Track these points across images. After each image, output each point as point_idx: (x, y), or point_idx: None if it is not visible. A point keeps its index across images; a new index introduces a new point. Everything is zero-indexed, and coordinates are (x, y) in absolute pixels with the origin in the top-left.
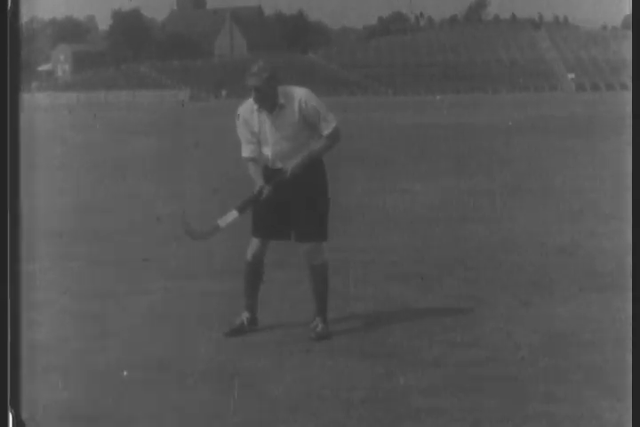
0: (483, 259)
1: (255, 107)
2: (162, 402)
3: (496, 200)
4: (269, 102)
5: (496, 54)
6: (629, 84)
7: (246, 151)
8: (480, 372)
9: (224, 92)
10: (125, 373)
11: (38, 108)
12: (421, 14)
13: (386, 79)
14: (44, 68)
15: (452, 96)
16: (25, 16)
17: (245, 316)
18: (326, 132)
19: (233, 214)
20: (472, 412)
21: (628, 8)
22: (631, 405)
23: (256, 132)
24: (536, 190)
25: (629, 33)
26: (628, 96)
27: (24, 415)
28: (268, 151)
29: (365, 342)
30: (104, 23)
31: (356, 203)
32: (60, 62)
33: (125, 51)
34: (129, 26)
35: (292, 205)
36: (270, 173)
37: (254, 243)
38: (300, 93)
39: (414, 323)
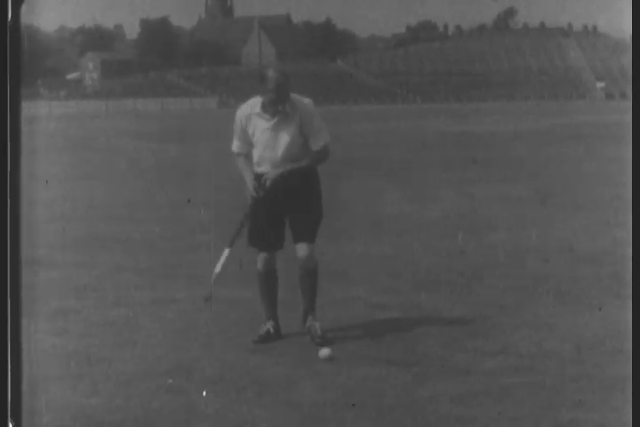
0: (511, 267)
1: (255, 111)
2: (188, 409)
3: (525, 208)
4: (279, 107)
5: (525, 62)
6: None
7: (238, 147)
8: (508, 380)
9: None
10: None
11: (66, 116)
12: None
13: (414, 87)
14: (72, 76)
15: (480, 104)
16: (54, 24)
17: (270, 324)
18: (315, 148)
19: (225, 254)
20: (500, 420)
21: None
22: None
23: (249, 134)
24: (565, 198)
25: None
26: None
27: None
28: (255, 155)
29: (393, 350)
30: (132, 31)
31: (385, 211)
32: (88, 71)
33: (154, 59)
34: (157, 34)
35: (289, 212)
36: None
37: (262, 253)
38: (303, 103)
39: (442, 331)
